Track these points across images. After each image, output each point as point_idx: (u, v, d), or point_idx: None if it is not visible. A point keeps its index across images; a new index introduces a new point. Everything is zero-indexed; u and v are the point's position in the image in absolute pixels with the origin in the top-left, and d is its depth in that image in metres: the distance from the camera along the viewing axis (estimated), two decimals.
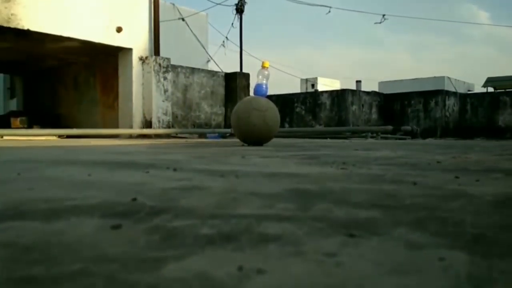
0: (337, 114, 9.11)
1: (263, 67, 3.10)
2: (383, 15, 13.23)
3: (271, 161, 1.40)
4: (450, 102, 9.52)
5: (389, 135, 6.64)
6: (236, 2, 13.88)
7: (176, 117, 6.14)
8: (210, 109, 6.73)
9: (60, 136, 5.07)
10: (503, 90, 12.75)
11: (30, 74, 7.63)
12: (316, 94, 9.96)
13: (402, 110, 9.61)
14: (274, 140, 3.09)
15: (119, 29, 5.35)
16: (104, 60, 6.01)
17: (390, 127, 6.97)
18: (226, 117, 6.95)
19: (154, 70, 5.64)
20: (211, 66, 11.72)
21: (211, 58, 12.39)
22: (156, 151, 1.99)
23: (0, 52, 5.82)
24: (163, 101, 5.75)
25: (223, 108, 6.93)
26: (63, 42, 5.21)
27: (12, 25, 4.52)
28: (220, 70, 7.53)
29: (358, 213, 0.55)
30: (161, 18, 6.03)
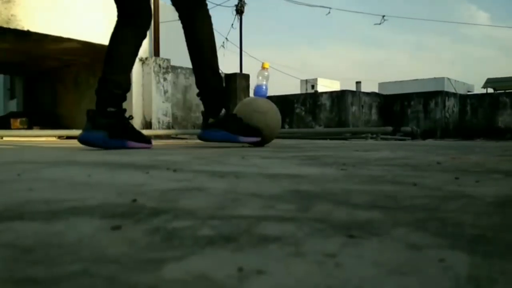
0: (337, 115, 9.10)
1: (263, 68, 3.09)
2: (383, 16, 13.24)
3: (271, 162, 1.40)
4: (450, 103, 9.51)
5: (389, 136, 6.64)
6: (236, 3, 13.89)
7: (176, 118, 6.14)
8: None
9: (60, 137, 5.07)
10: (503, 91, 12.75)
11: (30, 75, 7.63)
12: (316, 95, 9.95)
13: (402, 111, 9.60)
14: (274, 141, 3.09)
15: None
16: None
17: (390, 128, 6.96)
18: None
19: (154, 71, 5.64)
20: None
21: None
22: (156, 152, 1.99)
23: (0, 53, 5.82)
24: (163, 102, 5.75)
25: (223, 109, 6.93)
26: (63, 43, 5.21)
27: (12, 26, 4.52)
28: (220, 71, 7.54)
29: (358, 214, 0.55)
30: (161, 19, 6.03)
